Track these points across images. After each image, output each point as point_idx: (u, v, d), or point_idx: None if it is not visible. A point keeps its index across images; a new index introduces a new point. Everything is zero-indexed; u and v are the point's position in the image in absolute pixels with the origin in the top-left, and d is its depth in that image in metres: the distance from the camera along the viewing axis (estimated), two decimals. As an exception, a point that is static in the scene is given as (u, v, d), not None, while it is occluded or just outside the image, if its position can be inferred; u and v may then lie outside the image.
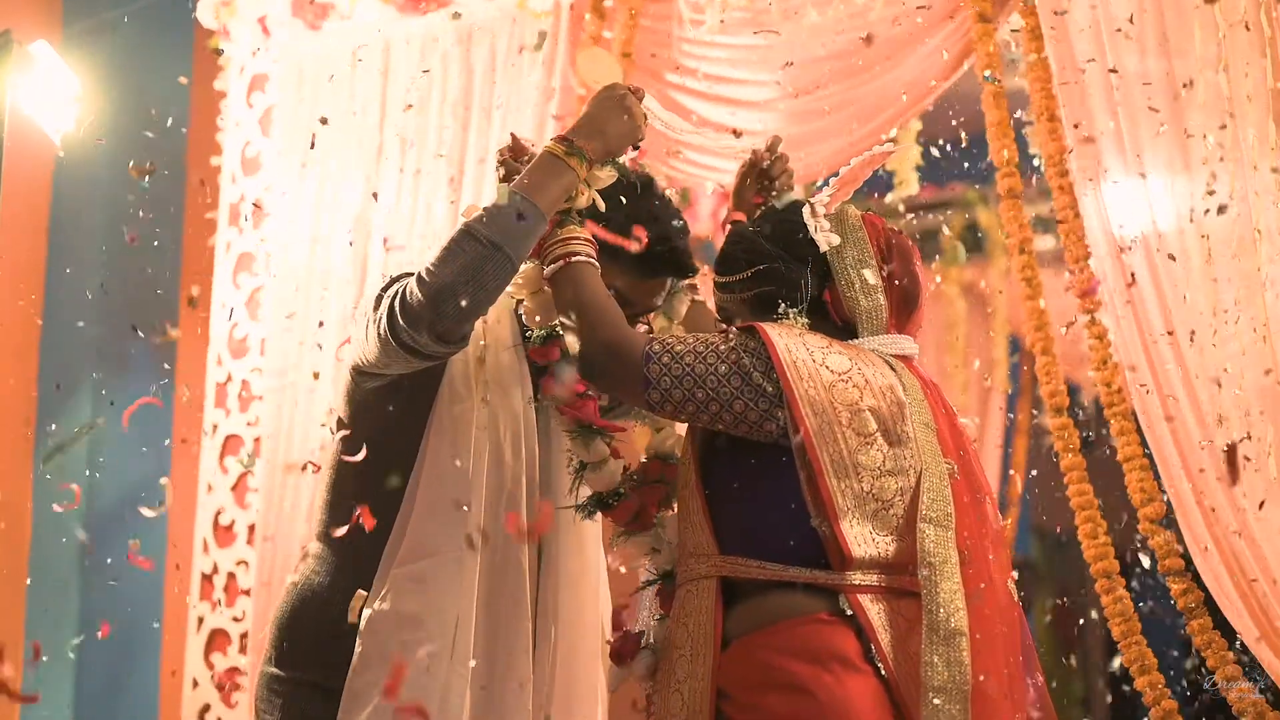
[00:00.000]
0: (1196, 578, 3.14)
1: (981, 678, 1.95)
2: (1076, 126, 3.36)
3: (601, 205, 2.29)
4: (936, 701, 1.93)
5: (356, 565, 2.34)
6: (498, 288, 2.17)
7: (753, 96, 3.89)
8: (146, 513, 3.83)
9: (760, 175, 2.60)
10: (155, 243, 4.71)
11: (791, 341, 2.06)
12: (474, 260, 2.12)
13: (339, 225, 4.38)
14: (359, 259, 4.32)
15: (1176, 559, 3.16)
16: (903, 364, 2.17)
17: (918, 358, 2.22)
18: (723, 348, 2.08)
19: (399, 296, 2.16)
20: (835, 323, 2.18)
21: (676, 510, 2.28)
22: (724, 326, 2.28)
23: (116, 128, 4.42)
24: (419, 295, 2.12)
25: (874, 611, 2.01)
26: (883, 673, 1.98)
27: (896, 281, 2.19)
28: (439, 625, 2.26)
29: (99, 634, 4.28)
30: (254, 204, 4.56)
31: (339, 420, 2.42)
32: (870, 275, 2.17)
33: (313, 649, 2.35)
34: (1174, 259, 3.20)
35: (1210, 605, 3.13)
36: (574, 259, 2.20)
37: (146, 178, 3.53)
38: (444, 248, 2.15)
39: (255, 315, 4.60)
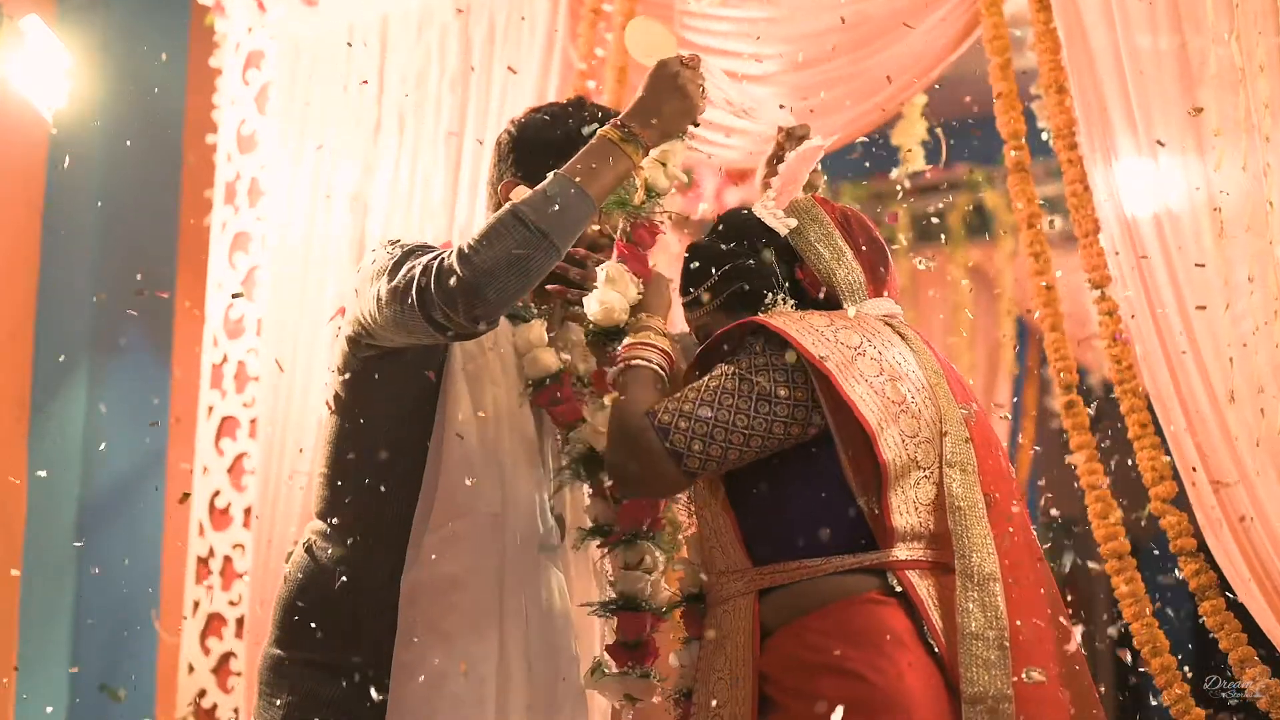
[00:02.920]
0: (1210, 558, 3.09)
1: (1018, 622, 1.92)
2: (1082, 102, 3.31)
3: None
4: (975, 647, 1.90)
5: (361, 538, 2.31)
6: (539, 276, 2.12)
7: (756, 70, 3.83)
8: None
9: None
10: (150, 222, 4.68)
11: (801, 326, 2.01)
12: (519, 245, 2.05)
13: (336, 203, 4.31)
14: (356, 237, 4.26)
15: (1189, 539, 3.10)
16: (898, 321, 2.14)
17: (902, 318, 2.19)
18: (729, 384, 2.00)
19: (434, 273, 2.08)
20: (815, 298, 2.14)
21: (697, 532, 2.22)
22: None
23: (110, 105, 4.37)
24: (460, 274, 2.05)
25: (922, 588, 1.96)
26: (935, 650, 1.93)
27: (863, 248, 2.16)
28: (483, 583, 2.25)
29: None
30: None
31: (335, 394, 2.36)
32: (839, 242, 2.15)
33: (320, 627, 2.30)
34: (1185, 232, 3.14)
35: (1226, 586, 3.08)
36: (632, 363, 2.12)
37: None
38: (489, 227, 2.08)
39: (251, 295, 4.54)
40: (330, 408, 2.38)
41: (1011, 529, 2.00)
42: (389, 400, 2.29)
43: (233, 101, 4.68)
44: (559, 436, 2.40)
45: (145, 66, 4.63)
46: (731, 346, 2.07)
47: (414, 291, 2.09)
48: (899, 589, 1.96)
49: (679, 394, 2.02)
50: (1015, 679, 1.90)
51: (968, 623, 1.90)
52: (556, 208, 2.08)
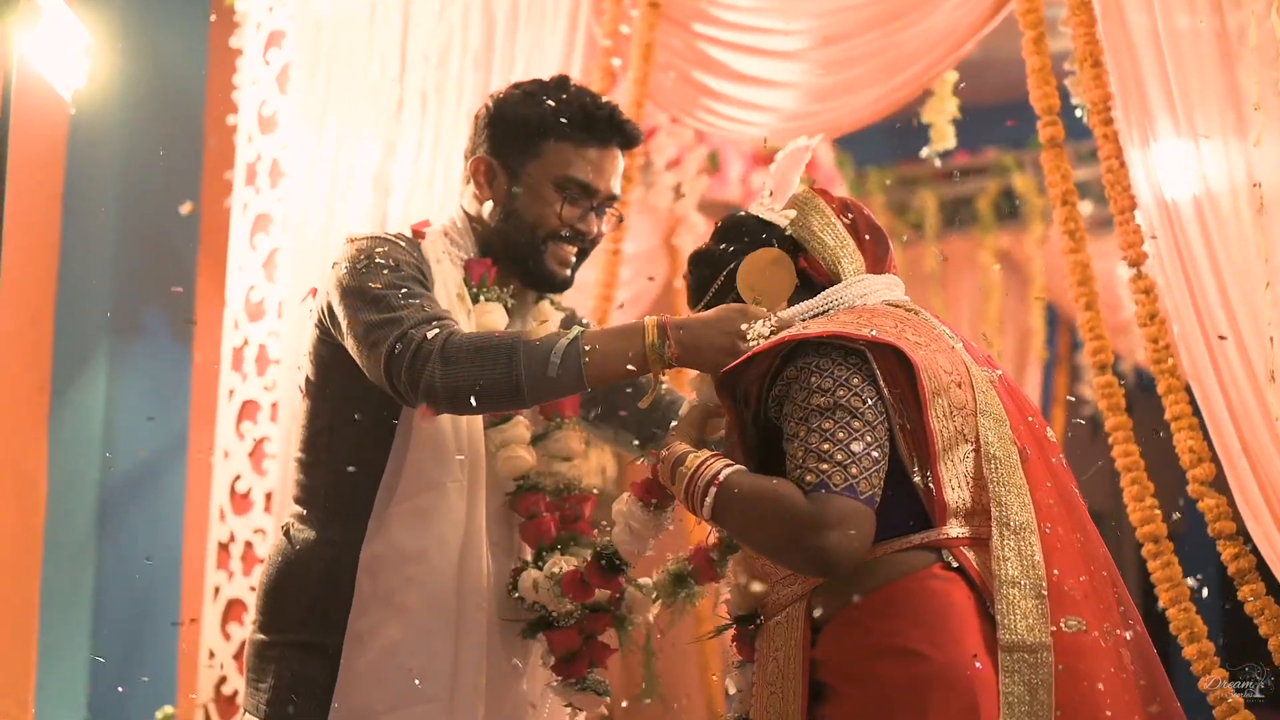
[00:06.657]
0: (1249, 542, 3.02)
1: (1055, 572, 1.89)
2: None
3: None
4: (1012, 595, 1.87)
5: (334, 520, 2.34)
6: (498, 411, 2.26)
7: (783, 46, 3.77)
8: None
9: None
10: (171, 204, 4.65)
11: (836, 326, 1.98)
12: (495, 381, 2.08)
13: (357, 183, 4.27)
14: (378, 217, 4.21)
15: (1228, 522, 3.03)
16: (906, 301, 2.15)
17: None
18: (844, 410, 1.91)
19: (412, 352, 2.10)
20: (819, 284, 2.14)
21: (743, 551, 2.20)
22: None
23: (130, 85, 4.34)
24: (431, 371, 2.08)
25: (977, 563, 1.93)
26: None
27: (866, 237, 2.17)
28: (443, 557, 2.27)
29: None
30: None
31: (306, 379, 2.41)
32: (841, 230, 2.14)
33: (301, 608, 2.34)
34: (1224, 209, 3.06)
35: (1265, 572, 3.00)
36: (721, 476, 1.96)
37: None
38: (483, 345, 2.10)
39: (272, 277, 4.49)
40: (302, 391, 2.43)
41: (1050, 483, 1.98)
42: (358, 383, 2.28)
43: (253, 82, 4.62)
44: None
45: (165, 46, 4.60)
46: (770, 366, 2.00)
47: (387, 352, 2.12)
48: (956, 564, 1.92)
49: (807, 453, 1.90)
50: (1054, 628, 1.86)
51: (1005, 570, 1.88)
52: (551, 375, 2.08)
